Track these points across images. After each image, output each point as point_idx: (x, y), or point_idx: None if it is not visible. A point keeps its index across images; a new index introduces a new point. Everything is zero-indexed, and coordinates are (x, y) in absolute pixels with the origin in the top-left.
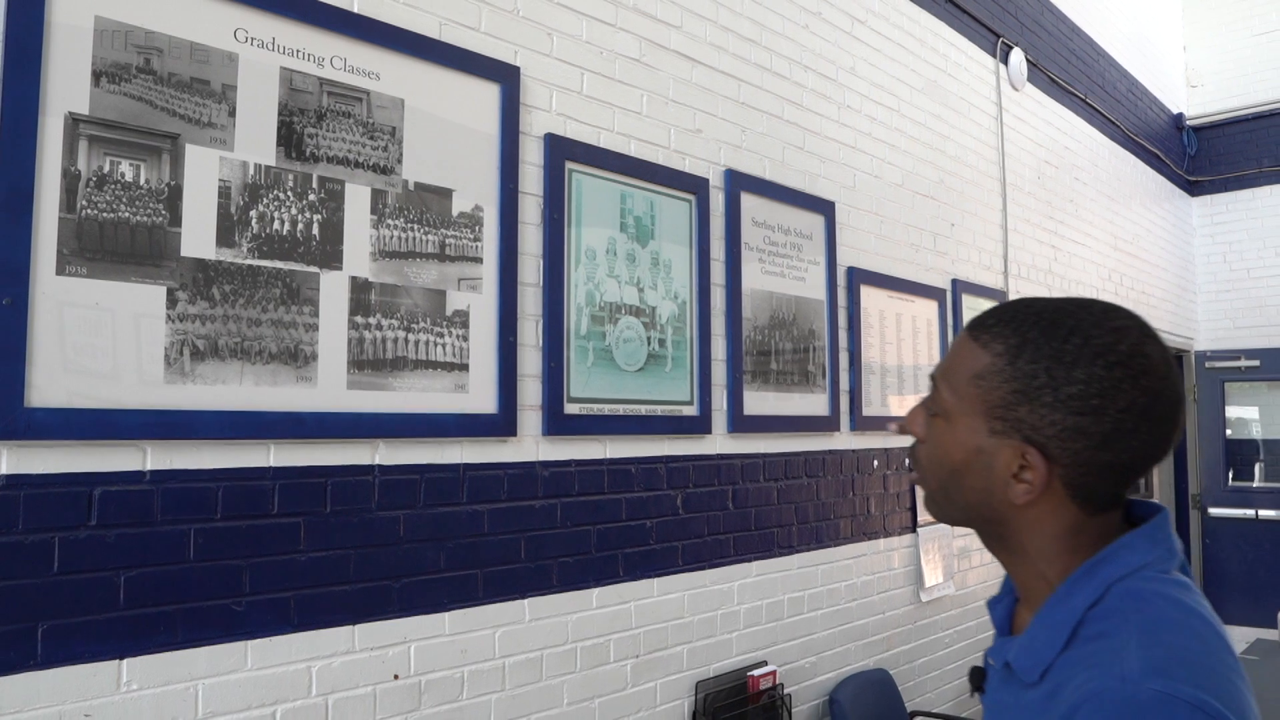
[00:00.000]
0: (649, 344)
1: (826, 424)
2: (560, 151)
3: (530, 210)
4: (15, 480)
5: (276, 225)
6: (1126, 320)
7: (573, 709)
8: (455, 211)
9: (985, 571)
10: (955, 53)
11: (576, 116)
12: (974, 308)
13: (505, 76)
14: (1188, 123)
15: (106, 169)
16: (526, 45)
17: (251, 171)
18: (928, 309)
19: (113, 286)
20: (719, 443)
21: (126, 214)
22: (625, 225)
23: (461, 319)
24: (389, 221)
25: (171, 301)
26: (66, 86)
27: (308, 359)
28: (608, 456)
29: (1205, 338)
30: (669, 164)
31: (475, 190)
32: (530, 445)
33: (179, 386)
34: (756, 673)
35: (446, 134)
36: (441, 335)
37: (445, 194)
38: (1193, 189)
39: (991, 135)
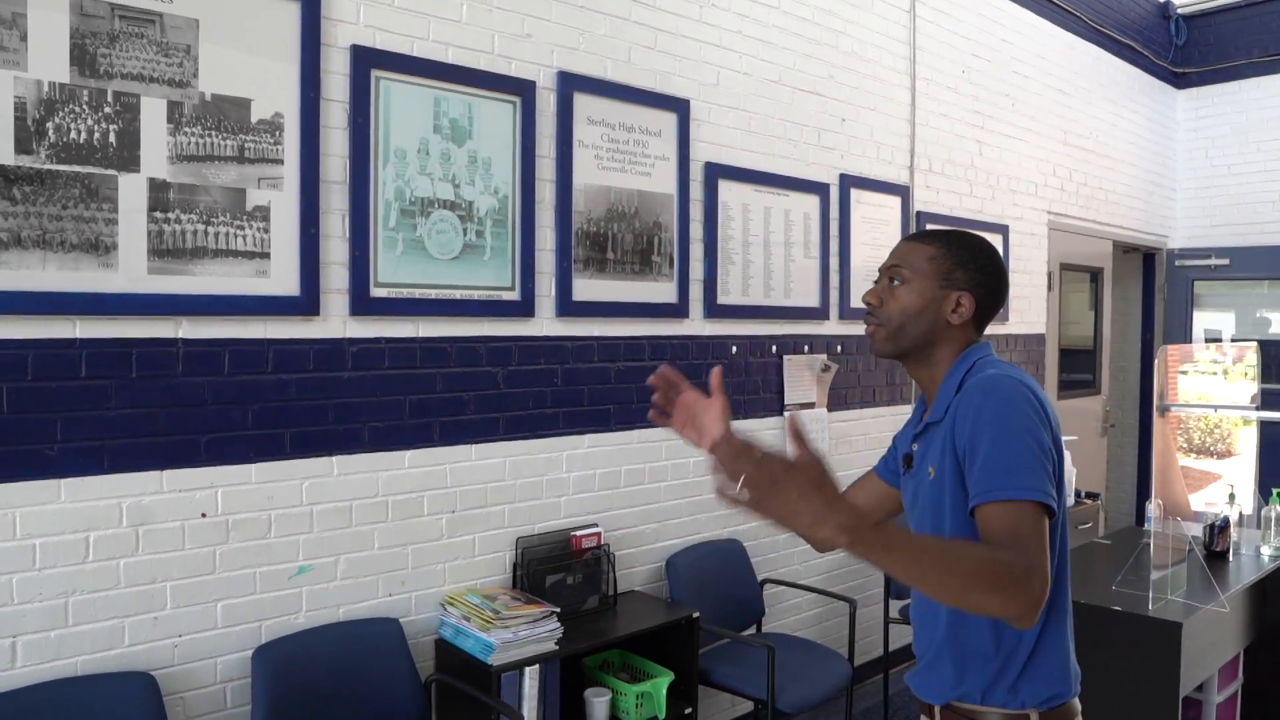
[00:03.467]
0: (465, 235)
1: (674, 310)
2: (365, 61)
3: (336, 116)
4: None
5: (74, 135)
6: (987, 240)
7: (384, 552)
8: (254, 119)
9: (860, 457)
10: None
11: (387, 27)
12: (868, 202)
13: None
14: (1176, 11)
15: None
16: None
17: (46, 89)
18: (805, 203)
19: None
20: (545, 325)
21: None
22: (440, 127)
23: (262, 214)
24: (186, 129)
25: None
26: None
27: (109, 248)
28: (420, 335)
29: (1181, 236)
30: (492, 69)
31: (275, 99)
32: (337, 324)
33: None
34: (580, 533)
35: (244, 49)
36: (242, 228)
37: (244, 103)
38: (1179, 81)
39: (901, 29)
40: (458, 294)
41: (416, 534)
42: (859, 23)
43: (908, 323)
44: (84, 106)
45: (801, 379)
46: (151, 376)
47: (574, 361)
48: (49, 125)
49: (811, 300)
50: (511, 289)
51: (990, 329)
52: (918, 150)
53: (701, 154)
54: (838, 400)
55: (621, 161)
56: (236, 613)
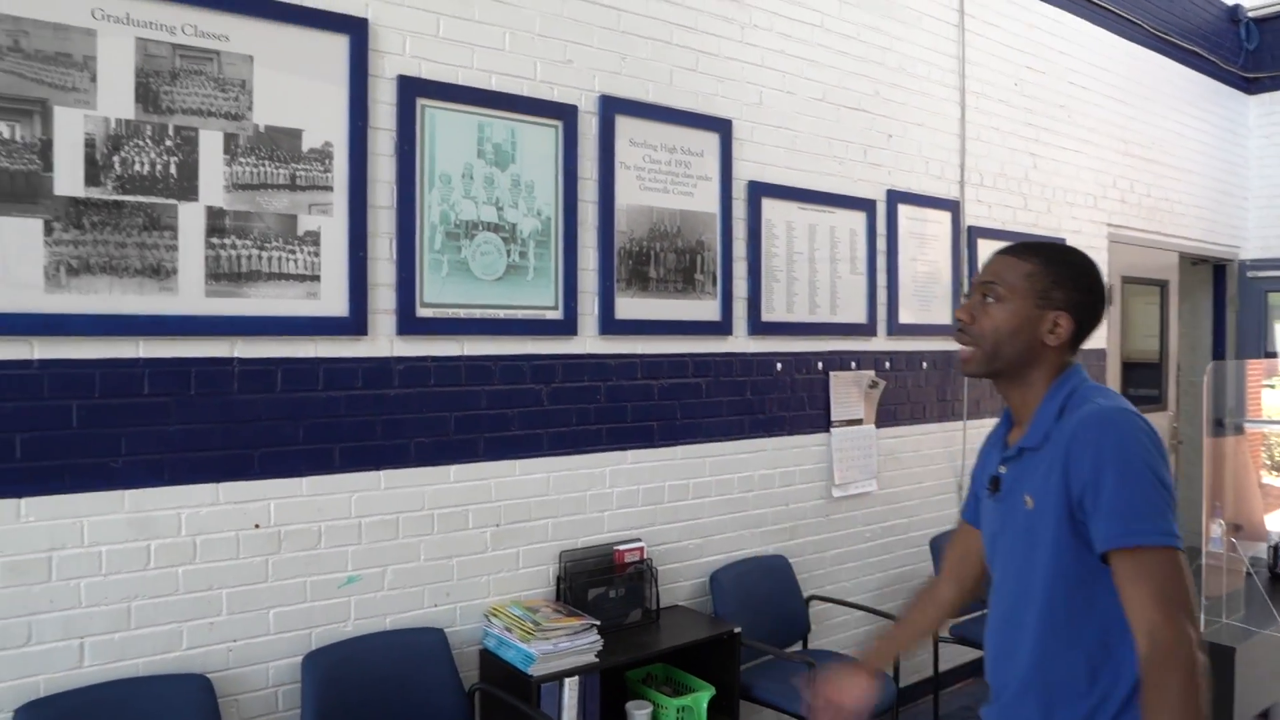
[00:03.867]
0: (508, 256)
1: (717, 328)
2: (411, 90)
3: (384, 143)
4: None
5: (138, 167)
6: (1086, 255)
7: (430, 564)
8: (306, 148)
9: (910, 474)
10: None
11: (432, 58)
12: (916, 217)
13: (353, 28)
14: (1247, 15)
15: None
16: None
17: (113, 125)
18: (851, 219)
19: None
20: (588, 343)
21: (7, 164)
22: (483, 152)
23: (313, 238)
24: (241, 159)
25: (48, 230)
26: None
27: (169, 273)
28: (465, 354)
29: (1254, 246)
30: (534, 94)
31: (325, 129)
32: (384, 343)
33: (58, 296)
34: (623, 547)
35: (296, 82)
36: (294, 252)
37: (295, 134)
38: (1250, 86)
39: (950, 44)
40: (501, 313)
41: (461, 546)
42: (906, 39)
43: (1001, 343)
44: (147, 140)
45: (848, 395)
46: (209, 394)
47: (617, 378)
48: (115, 159)
49: (858, 316)
50: (554, 308)
51: None
52: (968, 164)
53: (744, 173)
54: (886, 416)
55: (664, 182)
56: (288, 620)
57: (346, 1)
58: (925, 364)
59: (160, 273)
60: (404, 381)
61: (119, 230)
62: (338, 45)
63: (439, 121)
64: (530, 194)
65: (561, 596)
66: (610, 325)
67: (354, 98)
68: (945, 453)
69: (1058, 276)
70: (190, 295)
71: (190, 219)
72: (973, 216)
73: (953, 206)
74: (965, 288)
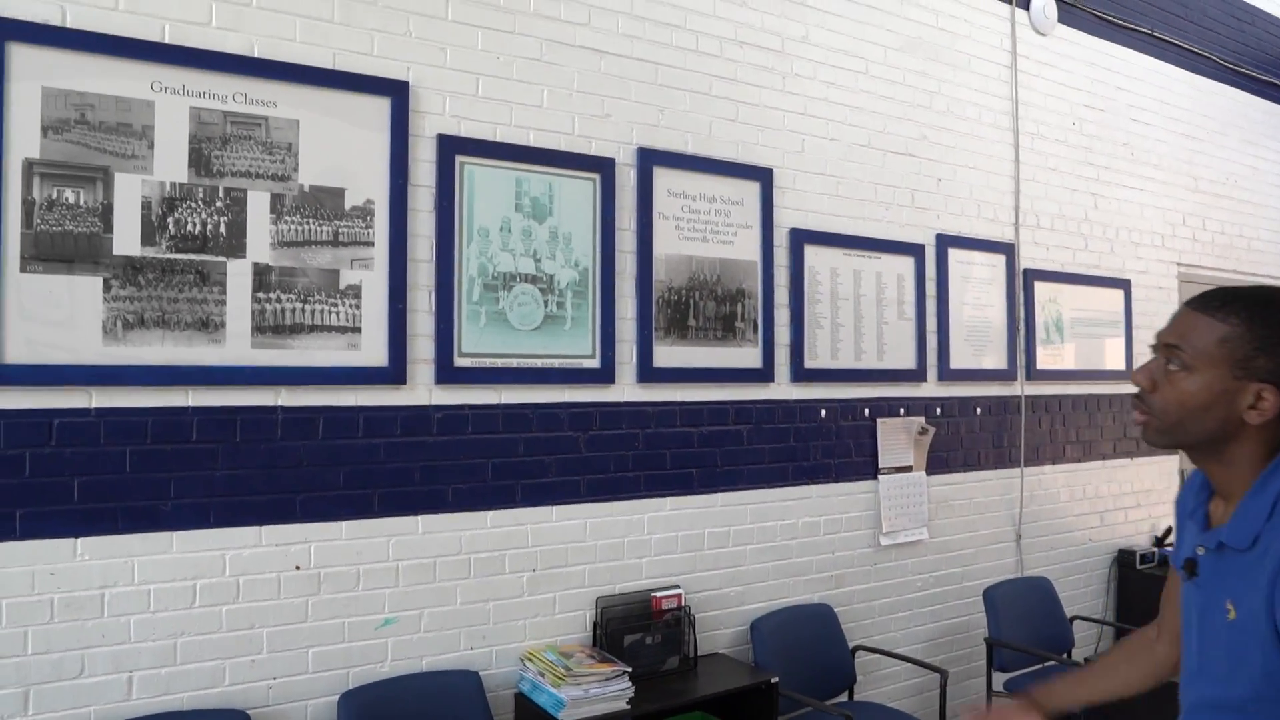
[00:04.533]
0: (546, 306)
1: (758, 375)
2: (450, 148)
3: (423, 199)
4: None
5: (190, 227)
6: None
7: (466, 608)
8: (348, 206)
9: (965, 522)
10: (952, 5)
11: (471, 116)
12: (968, 261)
13: (395, 91)
14: None
15: (55, 196)
16: (419, 61)
17: (168, 188)
18: (899, 264)
19: (61, 279)
20: (626, 391)
21: (70, 227)
22: (521, 206)
23: (354, 292)
24: (286, 218)
25: (107, 288)
26: (23, 140)
27: (218, 326)
28: (502, 402)
29: None
30: (572, 149)
31: (366, 187)
32: (423, 392)
33: (114, 348)
34: (661, 594)
35: (339, 143)
36: (336, 305)
37: (338, 193)
38: None
39: (1001, 85)
40: (539, 362)
41: (498, 591)
42: (955, 82)
43: (1187, 419)
44: (199, 202)
45: (897, 442)
46: (254, 441)
47: (656, 426)
48: (169, 220)
49: (907, 362)
50: (592, 357)
51: (1111, 387)
52: (1023, 206)
53: (786, 220)
54: (938, 464)
55: (703, 231)
56: (326, 659)
57: (389, 66)
58: (979, 409)
59: (209, 326)
60: (442, 429)
61: (171, 286)
62: (380, 107)
63: (477, 177)
64: (568, 245)
65: (598, 642)
66: (648, 373)
67: (395, 157)
68: (1003, 500)
69: (1264, 340)
70: (237, 347)
71: (238, 275)
72: (1029, 259)
73: (1007, 249)
74: (1021, 329)
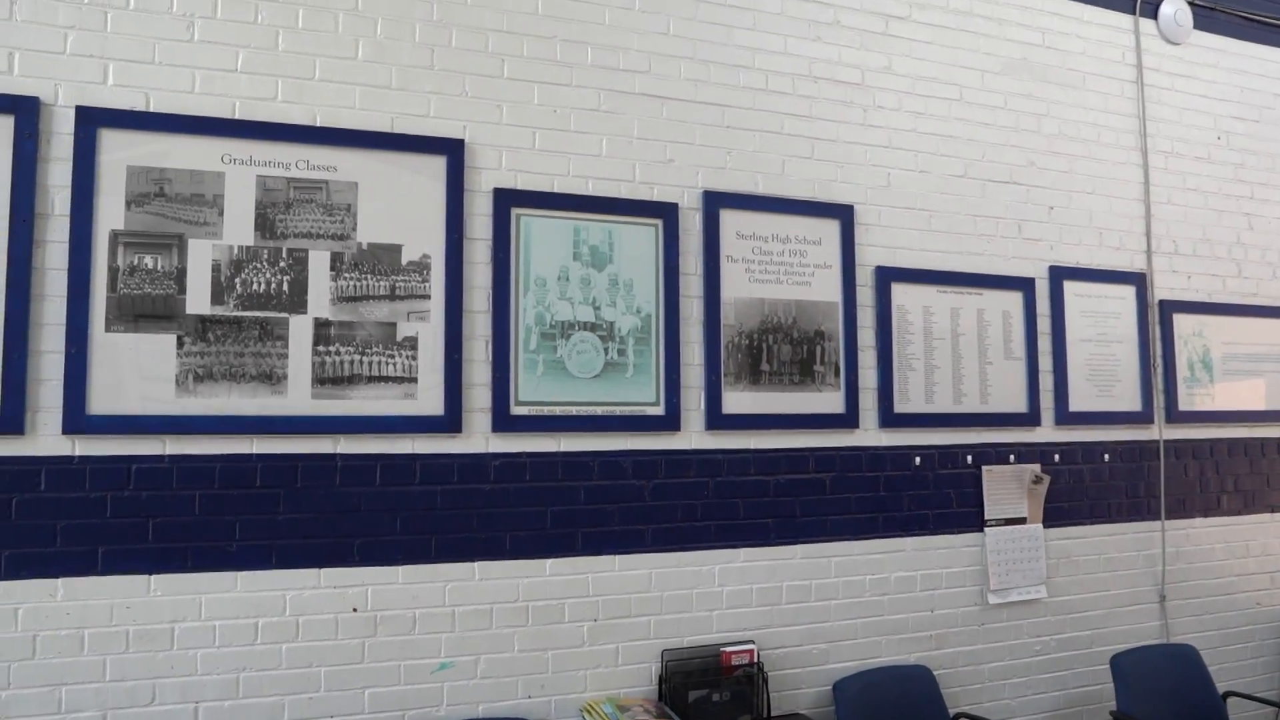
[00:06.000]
0: (606, 354)
1: (841, 421)
2: (506, 202)
3: (479, 252)
4: (83, 459)
5: (255, 286)
6: None
7: (524, 655)
8: (405, 261)
9: (1093, 580)
10: (1061, 22)
11: (528, 169)
12: (1090, 294)
13: (450, 149)
14: None
15: (136, 262)
16: (475, 119)
17: (235, 251)
18: (1004, 300)
19: (141, 337)
20: (693, 439)
21: (149, 290)
22: (579, 254)
23: (411, 343)
24: (346, 275)
25: (180, 344)
26: (110, 213)
27: (280, 378)
28: (561, 450)
29: None
30: (633, 195)
31: (423, 242)
32: (480, 440)
33: (186, 399)
34: (732, 648)
35: (396, 202)
36: (393, 357)
37: (395, 249)
38: None
39: (1125, 102)
40: (599, 410)
41: (556, 639)
42: (1067, 102)
43: None
44: (264, 263)
45: (1006, 491)
46: (314, 486)
47: (726, 474)
48: (237, 280)
49: (1016, 405)
50: (656, 404)
51: (1269, 429)
52: (1156, 231)
53: (870, 258)
54: (1057, 515)
55: (776, 273)
56: (382, 700)
57: (445, 125)
58: (1107, 455)
59: (272, 378)
60: (499, 477)
61: (238, 341)
62: (436, 165)
63: (534, 228)
64: (629, 292)
65: (663, 696)
66: (718, 420)
67: (450, 212)
68: (1140, 556)
69: None
70: (298, 397)
71: (299, 330)
72: (1165, 289)
73: (1137, 280)
74: (1158, 367)
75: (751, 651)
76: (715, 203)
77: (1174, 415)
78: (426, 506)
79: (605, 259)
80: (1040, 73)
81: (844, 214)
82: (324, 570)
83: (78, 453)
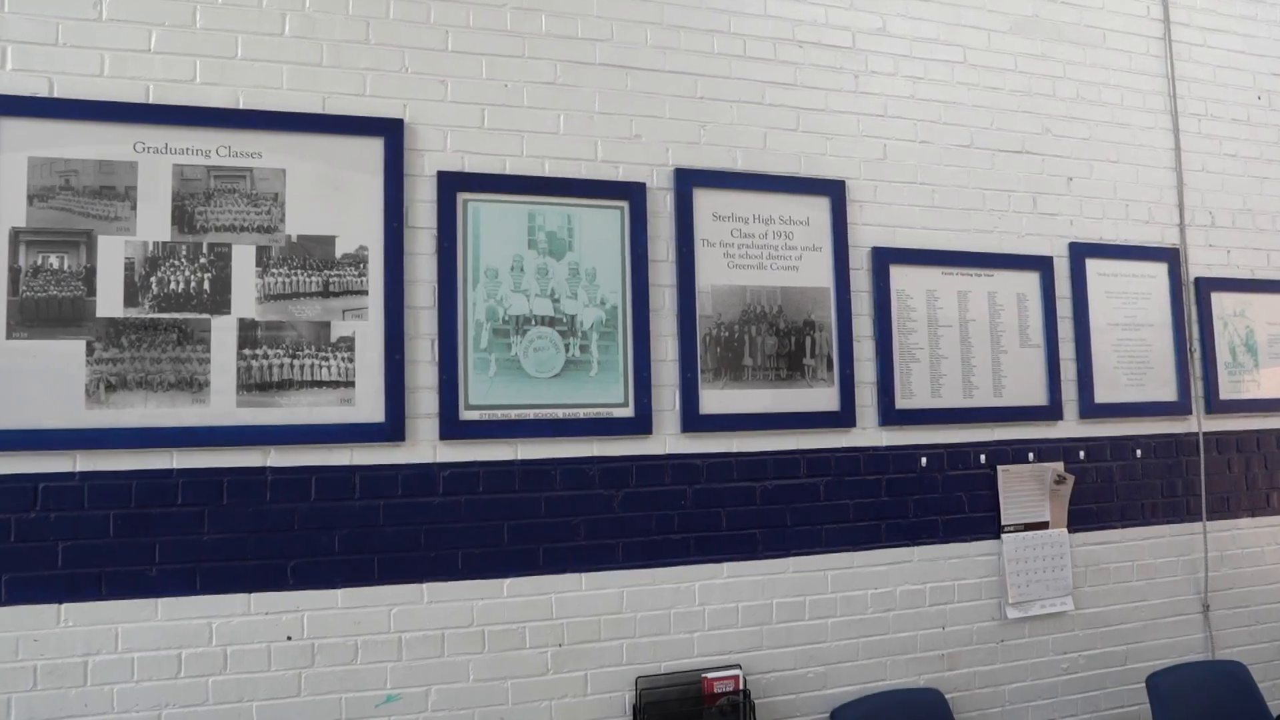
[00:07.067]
0: (567, 351)
1: (836, 419)
2: (452, 186)
3: (423, 242)
4: None
5: (173, 285)
6: None
7: (480, 685)
8: (339, 254)
9: (1126, 590)
10: None
11: (476, 150)
12: (1116, 272)
13: (389, 130)
14: None
15: (40, 262)
16: (417, 97)
17: (150, 248)
18: (1019, 282)
19: (46, 344)
20: (667, 443)
21: (55, 292)
22: (535, 242)
23: (347, 344)
24: (274, 270)
25: (90, 350)
26: (10, 209)
27: (202, 386)
28: (519, 458)
29: None
30: (595, 175)
31: (359, 233)
32: (426, 449)
33: (97, 411)
34: (715, 674)
35: (329, 189)
36: (327, 359)
37: (328, 241)
38: None
39: (1152, 61)
40: (560, 413)
41: (516, 667)
42: (1085, 63)
43: None
44: (182, 260)
45: (1025, 493)
46: (241, 503)
47: (706, 480)
48: (152, 279)
49: (1035, 398)
50: (624, 405)
51: None
52: (1190, 202)
53: (865, 238)
54: (1084, 518)
55: (758, 257)
56: None
57: (382, 105)
58: (1139, 451)
59: (193, 385)
60: (449, 488)
61: (154, 346)
62: (372, 149)
63: (483, 214)
64: (592, 282)
65: None
66: (694, 421)
67: (389, 200)
68: (1180, 562)
69: None
70: (222, 406)
71: (223, 332)
72: (1202, 265)
73: (1169, 256)
74: (1196, 351)
75: (737, 677)
76: (688, 181)
77: (1214, 405)
78: (368, 523)
79: (564, 246)
80: (1054, 30)
81: (834, 190)
82: (254, 595)
83: None
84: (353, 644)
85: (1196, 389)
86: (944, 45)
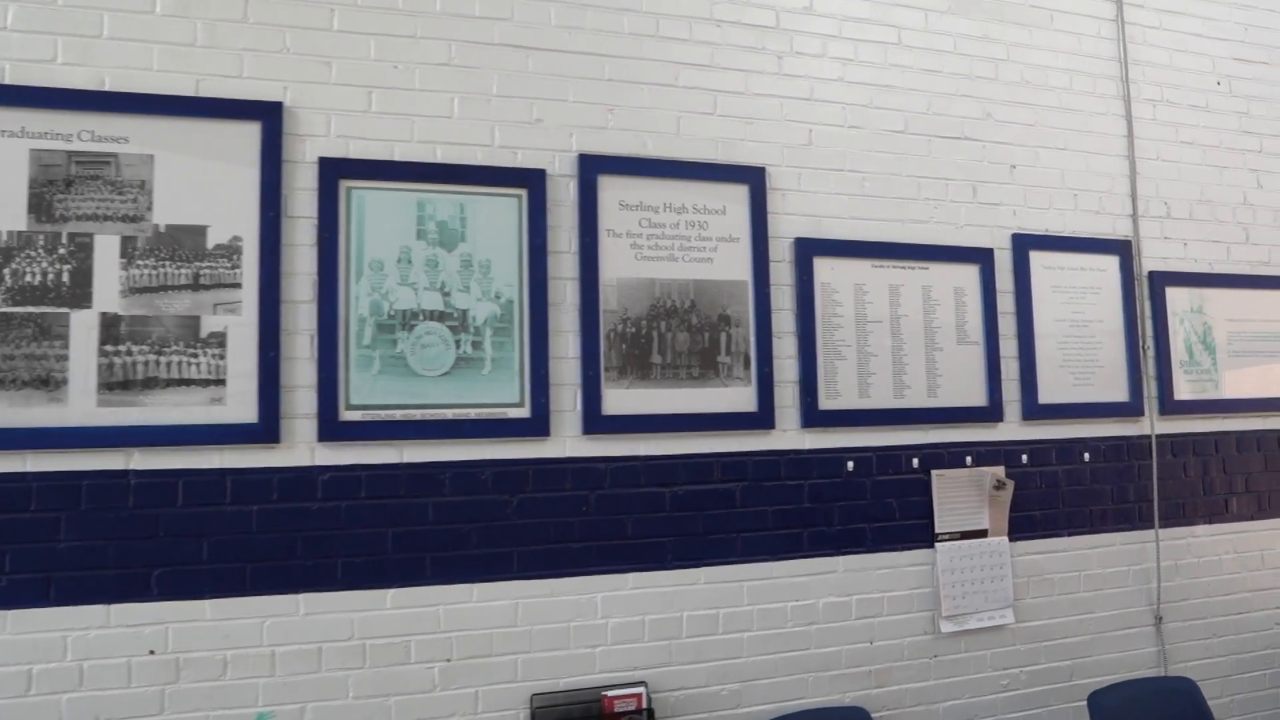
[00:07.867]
0: (458, 347)
1: (754, 421)
2: (334, 173)
3: (302, 232)
4: None
5: (29, 278)
6: None
7: (361, 703)
8: (211, 244)
9: (1071, 601)
10: None
11: (362, 135)
12: (1062, 265)
13: (267, 114)
14: None
15: None
16: (298, 79)
17: (4, 238)
18: (956, 275)
19: None
20: (568, 445)
21: None
22: (424, 232)
23: (218, 340)
24: (139, 262)
25: None
26: None
27: (59, 384)
28: (404, 461)
29: None
30: (490, 162)
31: (233, 223)
32: (303, 451)
33: None
34: (616, 692)
35: (201, 176)
36: (196, 356)
37: (199, 230)
38: None
39: (1102, 44)
40: (450, 413)
41: (401, 684)
42: (1030, 45)
43: None
44: (39, 250)
45: (962, 499)
46: (101, 509)
47: (610, 486)
48: (5, 271)
49: (973, 398)
50: (520, 405)
51: None
52: (1144, 192)
53: (787, 229)
54: (1026, 526)
55: (669, 249)
56: None
57: (260, 87)
58: (1087, 454)
59: (49, 383)
60: (328, 493)
61: (6, 342)
62: (248, 134)
63: (369, 203)
64: (486, 275)
65: None
66: (597, 423)
67: (266, 187)
68: (1131, 572)
69: None
70: (81, 406)
71: (82, 327)
72: (1157, 259)
73: (1121, 248)
74: (1149, 349)
75: (640, 695)
76: (593, 168)
77: (1169, 406)
78: (239, 530)
79: (456, 237)
80: (998, 10)
81: (754, 177)
82: (114, 607)
83: None
84: (221, 658)
85: (1150, 389)
86: (877, 25)
